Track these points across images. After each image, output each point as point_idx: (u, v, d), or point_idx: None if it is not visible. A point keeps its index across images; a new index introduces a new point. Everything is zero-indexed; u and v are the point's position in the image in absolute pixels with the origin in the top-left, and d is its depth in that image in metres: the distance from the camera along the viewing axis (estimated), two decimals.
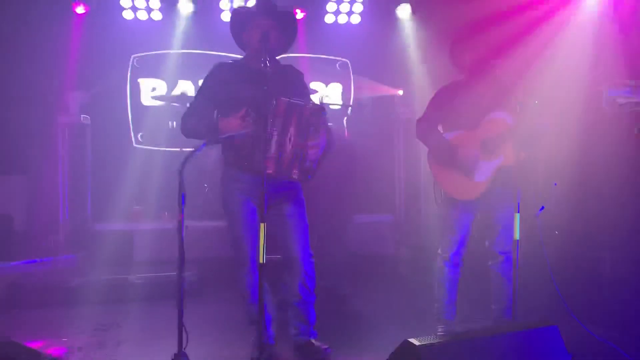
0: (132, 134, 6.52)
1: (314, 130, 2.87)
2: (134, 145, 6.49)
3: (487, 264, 3.37)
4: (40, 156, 5.57)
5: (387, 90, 6.35)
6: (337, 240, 4.94)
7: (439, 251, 3.38)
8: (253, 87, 2.93)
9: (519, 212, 2.92)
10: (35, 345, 3.29)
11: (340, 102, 6.61)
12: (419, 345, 2.10)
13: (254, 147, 2.85)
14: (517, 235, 2.94)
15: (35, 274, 4.71)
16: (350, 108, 6.78)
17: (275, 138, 2.83)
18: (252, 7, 3.20)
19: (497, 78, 3.22)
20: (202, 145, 2.81)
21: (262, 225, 2.59)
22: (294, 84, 3.19)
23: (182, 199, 2.71)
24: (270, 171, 2.81)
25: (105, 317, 3.93)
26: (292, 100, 2.86)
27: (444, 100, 3.34)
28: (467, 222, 3.29)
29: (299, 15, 6.04)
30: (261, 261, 2.60)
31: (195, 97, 3.18)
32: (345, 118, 6.77)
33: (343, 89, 6.85)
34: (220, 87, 3.06)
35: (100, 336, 3.58)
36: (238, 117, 2.85)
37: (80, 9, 5.84)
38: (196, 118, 3.04)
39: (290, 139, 2.85)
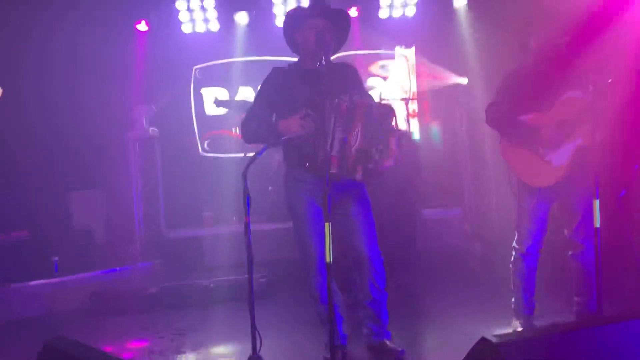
0: (199, 143, 6.70)
1: (384, 132, 2.83)
2: (201, 153, 6.66)
3: (568, 254, 3.19)
4: (115, 170, 5.83)
5: (450, 79, 6.18)
6: (406, 236, 4.84)
7: (515, 244, 3.23)
8: (310, 87, 2.92)
9: (597, 198, 2.74)
10: (117, 349, 3.44)
11: (401, 96, 6.50)
12: (498, 343, 1.99)
13: (315, 147, 2.84)
14: (597, 223, 2.76)
15: (115, 283, 4.94)
16: (411, 101, 6.65)
17: (338, 137, 2.81)
18: (306, 7, 3.19)
19: (565, 58, 3.06)
20: (263, 148, 2.82)
21: (327, 224, 2.57)
22: (350, 80, 3.16)
23: (247, 201, 2.75)
24: (334, 171, 2.79)
25: (183, 322, 4.05)
26: (354, 98, 2.83)
27: (513, 84, 3.20)
28: (544, 211, 3.13)
29: (353, 13, 5.99)
30: (328, 260, 2.57)
31: (254, 102, 3.22)
32: (406, 111, 6.65)
33: (402, 83, 6.74)
34: (276, 91, 3.07)
35: (178, 340, 3.70)
36: (297, 118, 2.85)
37: (142, 26, 6.06)
38: (256, 123, 3.07)
39: (356, 139, 2.82)
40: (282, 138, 2.91)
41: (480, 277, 4.82)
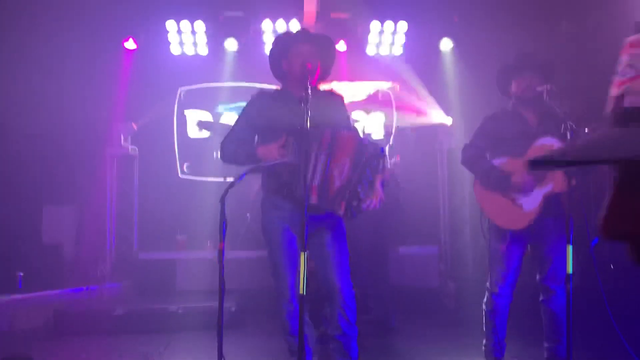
0: (178, 165, 6.65)
1: (372, 171, 2.83)
2: (180, 175, 6.61)
3: (539, 299, 3.20)
4: (89, 186, 5.74)
5: (434, 117, 6.27)
6: (381, 272, 4.82)
7: (488, 285, 3.24)
8: (293, 115, 2.92)
9: (571, 243, 2.77)
10: None
11: (382, 132, 6.57)
12: None
13: (294, 175, 2.82)
14: (570, 269, 2.78)
15: (81, 302, 4.81)
16: (391, 138, 6.72)
17: (320, 168, 2.79)
18: (292, 34, 3.22)
19: (544, 105, 3.14)
20: (243, 174, 2.79)
21: (302, 254, 2.54)
22: (335, 109, 3.16)
23: (224, 227, 2.71)
24: (313, 202, 2.77)
25: (148, 347, 3.93)
26: (338, 131, 2.83)
27: (491, 127, 3.28)
28: (517, 254, 3.15)
29: (342, 47, 6.07)
30: (301, 292, 2.53)
31: (235, 123, 3.19)
32: (387, 147, 6.72)
33: (385, 119, 6.82)
34: (259, 115, 3.06)
35: None
36: (276, 145, 2.84)
37: (129, 44, 6.02)
38: (235, 144, 3.04)
39: (341, 173, 2.81)
40: (260, 164, 2.89)
41: (452, 316, 4.81)
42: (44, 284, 4.94)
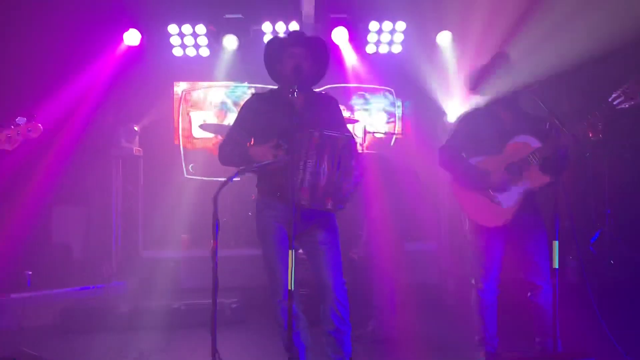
0: (184, 165, 6.76)
1: (345, 163, 2.88)
2: (185, 176, 6.72)
3: (527, 295, 3.24)
4: (96, 187, 5.86)
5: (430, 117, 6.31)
6: (391, 268, 4.84)
7: (473, 281, 3.29)
8: (285, 116, 2.98)
9: (557, 239, 2.81)
10: None
11: (384, 131, 6.62)
12: None
13: (286, 177, 2.89)
14: (556, 264, 2.82)
15: (87, 301, 4.92)
16: (394, 137, 6.77)
17: (309, 169, 2.86)
18: (285, 37, 3.28)
19: (517, 103, 3.19)
20: (235, 175, 2.88)
21: (290, 252, 2.62)
22: (328, 111, 3.22)
23: (217, 226, 2.81)
24: (304, 202, 2.84)
25: (150, 343, 4.03)
26: (324, 133, 2.88)
27: (466, 127, 3.34)
28: (498, 250, 3.20)
29: (342, 32, 6.00)
30: (289, 288, 2.61)
31: (232, 125, 3.28)
32: (391, 145, 6.78)
33: (388, 118, 6.88)
34: (253, 117, 3.14)
35: None
36: (269, 146, 2.92)
37: (131, 40, 5.97)
38: (231, 146, 3.13)
39: (324, 171, 2.87)
40: (254, 165, 2.97)
41: (451, 312, 4.85)
42: (53, 283, 5.07)
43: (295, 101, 2.94)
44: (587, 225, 5.40)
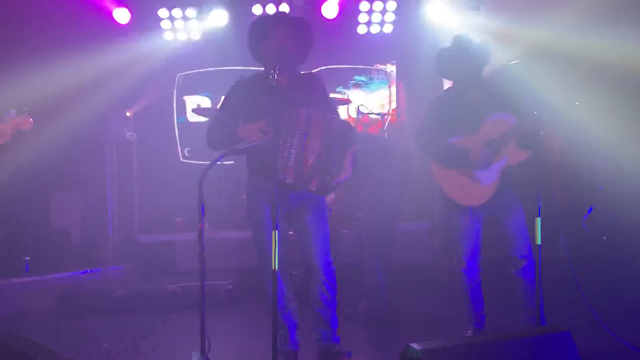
0: (179, 150, 6.80)
1: (339, 149, 2.89)
2: (181, 160, 6.76)
3: (511, 273, 3.28)
4: (91, 173, 5.91)
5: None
6: (384, 250, 4.88)
7: (455, 260, 3.34)
8: (271, 97, 3.01)
9: (539, 215, 2.85)
10: (76, 351, 3.49)
11: (378, 111, 6.61)
12: (421, 350, 2.09)
13: (274, 157, 2.91)
14: (539, 240, 2.86)
15: (85, 285, 4.99)
16: (388, 117, 6.78)
17: (295, 149, 2.88)
18: (268, 17, 3.29)
19: (487, 84, 3.21)
20: (220, 157, 2.91)
21: (274, 232, 2.66)
22: (314, 92, 3.23)
23: (202, 209, 2.85)
24: (289, 181, 2.87)
25: (145, 325, 4.10)
26: (312, 112, 2.90)
27: (437, 110, 3.34)
28: (477, 227, 3.24)
29: (334, 6, 5.98)
30: (273, 268, 2.66)
31: (219, 109, 3.31)
32: (385, 125, 6.78)
33: (382, 97, 6.88)
34: (240, 99, 3.16)
35: (137, 343, 3.74)
36: (255, 127, 2.94)
37: (120, 17, 6.00)
38: (220, 129, 3.16)
39: (313, 151, 2.88)
40: (240, 146, 2.99)
41: (444, 289, 4.89)
42: (51, 268, 5.13)
43: (279, 81, 2.97)
44: (579, 202, 5.43)
